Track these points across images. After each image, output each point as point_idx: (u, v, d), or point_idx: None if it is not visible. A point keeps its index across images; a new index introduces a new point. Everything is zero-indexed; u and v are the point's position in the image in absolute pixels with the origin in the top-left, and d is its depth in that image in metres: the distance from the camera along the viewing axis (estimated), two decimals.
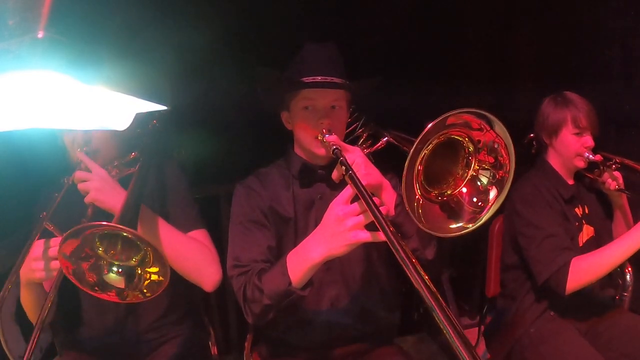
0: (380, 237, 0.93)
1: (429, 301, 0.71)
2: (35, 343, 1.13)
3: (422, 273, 0.76)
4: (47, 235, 1.24)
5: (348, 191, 1.06)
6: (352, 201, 1.06)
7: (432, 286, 0.73)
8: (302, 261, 1.12)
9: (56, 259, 1.17)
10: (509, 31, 2.66)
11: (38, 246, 1.20)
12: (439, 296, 0.71)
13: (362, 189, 1.01)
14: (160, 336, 1.48)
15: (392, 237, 0.86)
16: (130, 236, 1.07)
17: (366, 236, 1.02)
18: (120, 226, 1.03)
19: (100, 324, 1.43)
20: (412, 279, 0.76)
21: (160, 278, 1.09)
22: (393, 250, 0.83)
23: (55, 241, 1.20)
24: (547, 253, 1.59)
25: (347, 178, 1.07)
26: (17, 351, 1.55)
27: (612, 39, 2.25)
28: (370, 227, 1.01)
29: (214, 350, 1.70)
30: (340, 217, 1.04)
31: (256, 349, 1.61)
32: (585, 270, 1.54)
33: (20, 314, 1.49)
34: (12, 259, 1.53)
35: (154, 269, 1.10)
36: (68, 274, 1.07)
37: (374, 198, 0.98)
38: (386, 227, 0.89)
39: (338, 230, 1.04)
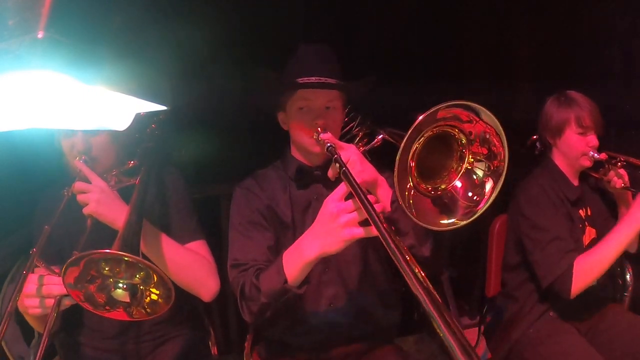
0: (373, 231, 0.92)
1: (423, 298, 0.69)
2: (43, 352, 1.11)
3: (416, 269, 0.75)
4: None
5: (342, 188, 1.06)
6: (347, 198, 1.05)
7: (426, 281, 0.72)
8: (297, 259, 1.13)
9: (49, 297, 1.16)
10: (509, 31, 2.66)
11: (31, 282, 1.17)
12: (434, 293, 0.69)
13: (356, 185, 1.00)
14: (161, 336, 1.49)
15: (385, 233, 0.85)
16: (132, 260, 1.07)
17: (360, 232, 1.02)
18: (121, 253, 1.02)
19: (101, 324, 1.43)
20: (404, 275, 0.75)
21: (160, 300, 1.11)
22: (386, 247, 0.83)
23: (50, 279, 1.17)
24: (551, 257, 1.58)
25: (341, 175, 1.07)
26: (17, 351, 1.55)
27: (612, 39, 2.25)
28: (365, 224, 1.00)
29: (214, 350, 1.70)
30: (334, 214, 1.04)
31: (256, 349, 1.61)
32: (587, 269, 1.53)
33: (20, 314, 1.49)
34: (12, 259, 1.53)
35: (156, 290, 1.12)
36: (80, 301, 1.07)
37: (369, 195, 0.98)
38: (379, 224, 0.88)
39: (332, 227, 1.04)
